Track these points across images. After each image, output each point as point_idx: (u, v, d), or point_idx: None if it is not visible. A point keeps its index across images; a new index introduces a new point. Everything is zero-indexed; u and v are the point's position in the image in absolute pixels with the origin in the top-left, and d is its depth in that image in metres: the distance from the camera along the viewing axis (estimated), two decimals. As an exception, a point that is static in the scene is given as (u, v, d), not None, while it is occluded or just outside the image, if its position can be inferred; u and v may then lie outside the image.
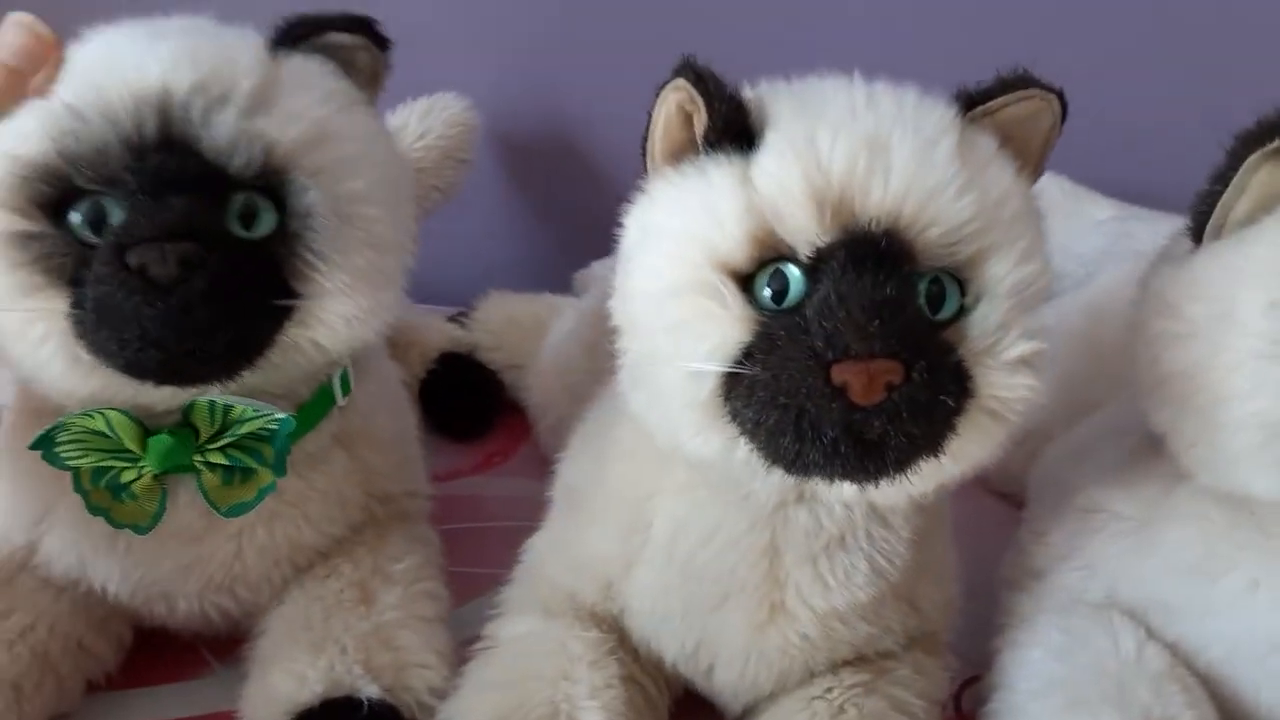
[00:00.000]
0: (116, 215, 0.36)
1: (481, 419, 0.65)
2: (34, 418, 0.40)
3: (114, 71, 0.36)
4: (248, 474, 0.40)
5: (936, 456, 0.33)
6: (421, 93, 0.73)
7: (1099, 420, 0.51)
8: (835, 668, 0.41)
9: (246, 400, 0.39)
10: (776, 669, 0.39)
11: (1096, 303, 0.57)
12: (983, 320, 0.33)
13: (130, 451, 0.38)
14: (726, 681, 0.40)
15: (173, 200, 0.35)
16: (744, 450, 0.34)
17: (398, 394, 0.51)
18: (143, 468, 0.39)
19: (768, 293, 0.33)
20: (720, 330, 0.33)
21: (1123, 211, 0.68)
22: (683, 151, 0.35)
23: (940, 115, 0.34)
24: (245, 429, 0.39)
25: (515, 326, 0.68)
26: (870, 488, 0.34)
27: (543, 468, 0.58)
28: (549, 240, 0.85)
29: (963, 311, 0.33)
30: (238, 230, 0.37)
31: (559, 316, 0.64)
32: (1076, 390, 0.53)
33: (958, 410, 0.33)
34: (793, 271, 0.33)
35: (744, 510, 0.37)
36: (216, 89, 0.36)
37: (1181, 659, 0.40)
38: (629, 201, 0.37)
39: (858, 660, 0.41)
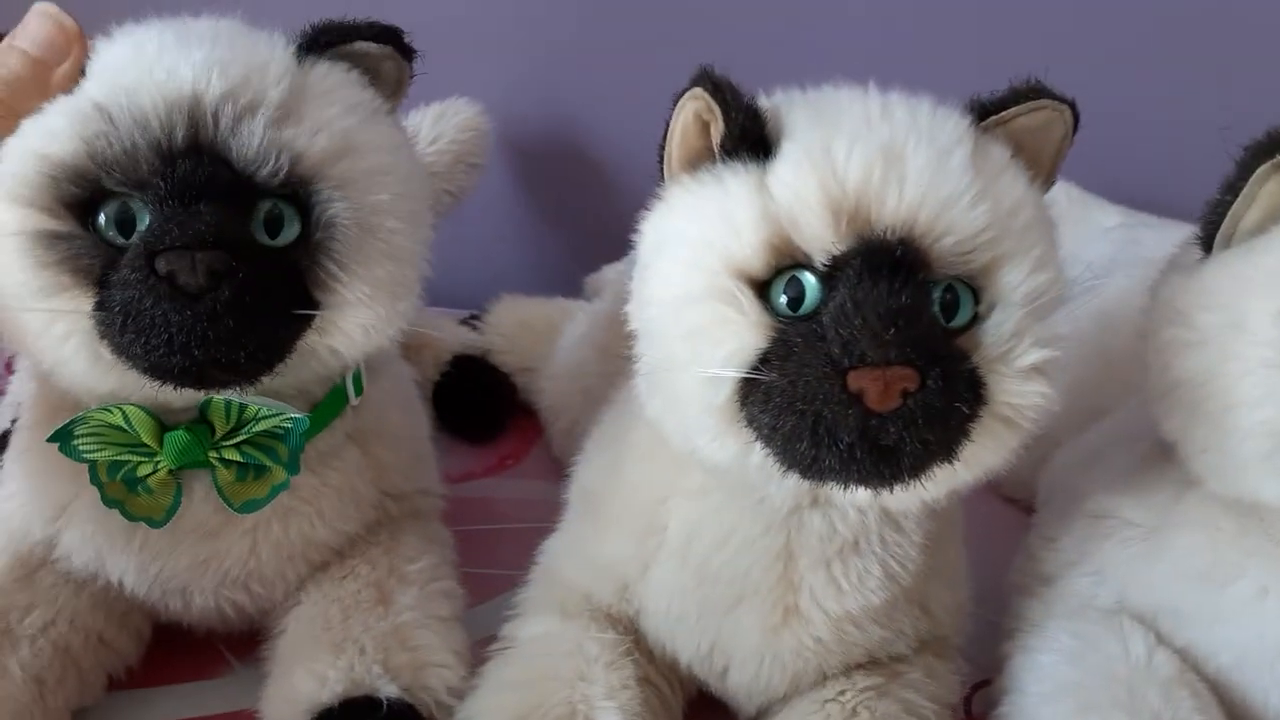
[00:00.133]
0: (144, 219, 0.36)
1: (494, 421, 0.66)
2: (53, 413, 0.40)
3: (146, 75, 0.36)
4: (261, 471, 0.40)
5: (951, 462, 0.34)
6: (434, 97, 0.73)
7: (1109, 426, 0.51)
8: (848, 670, 0.41)
9: (262, 400, 0.39)
10: (790, 671, 0.40)
11: (1106, 310, 0.57)
12: (996, 328, 0.33)
13: (146, 446, 0.39)
14: (740, 683, 0.41)
15: (201, 208, 0.36)
16: (759, 455, 0.34)
17: (409, 392, 0.51)
18: (158, 463, 0.39)
19: (784, 300, 0.33)
20: (737, 336, 0.33)
21: (1131, 219, 0.69)
22: (700, 159, 0.36)
23: (954, 125, 0.35)
24: (260, 427, 0.39)
25: (527, 330, 0.68)
26: (884, 493, 0.34)
27: (554, 470, 0.59)
28: (560, 245, 0.85)
29: (976, 319, 0.34)
30: (262, 238, 0.37)
31: (571, 320, 0.64)
32: (1086, 396, 0.53)
33: (972, 417, 0.33)
34: (809, 279, 0.33)
35: (759, 514, 0.38)
36: (246, 98, 0.37)
37: (1191, 665, 0.41)
38: (640, 207, 0.38)
39: (870, 663, 0.41)
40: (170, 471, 0.39)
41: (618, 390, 0.46)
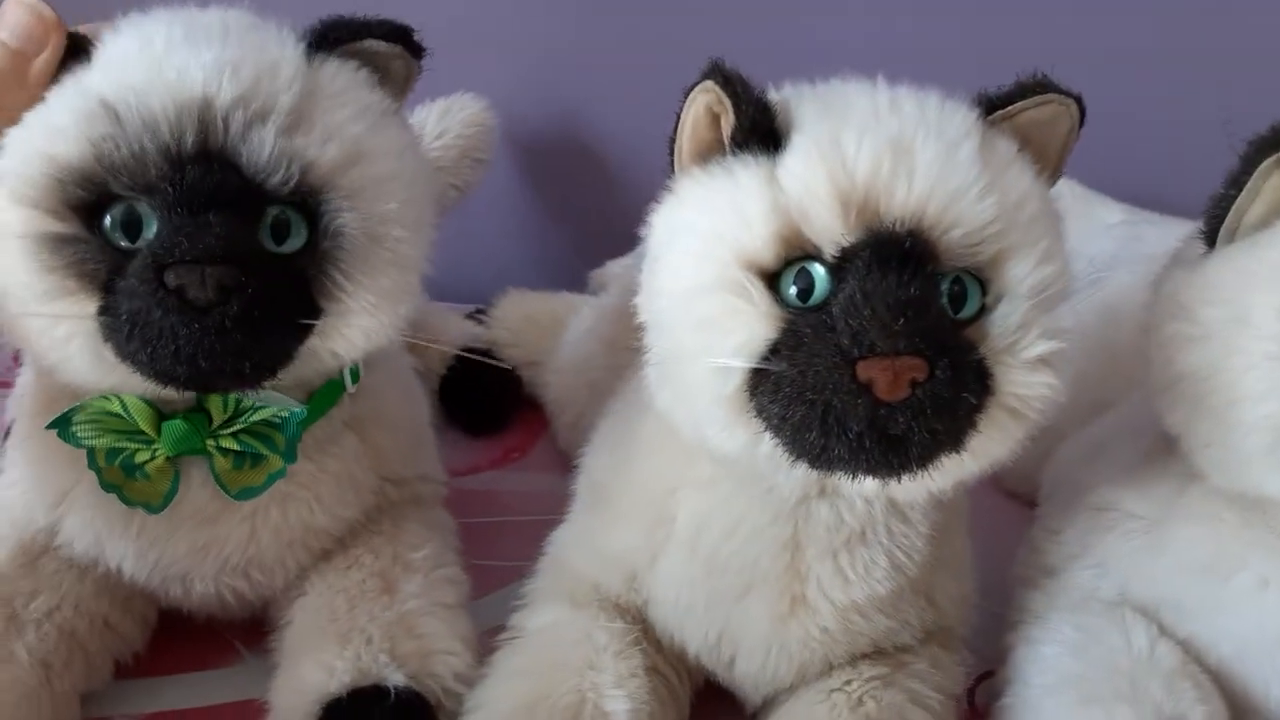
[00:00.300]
0: (151, 224, 0.36)
1: (500, 415, 0.66)
2: (51, 402, 0.41)
3: (155, 75, 0.36)
4: (258, 459, 0.40)
5: (958, 452, 0.34)
6: (440, 93, 0.73)
7: (1112, 420, 0.52)
8: (854, 661, 0.41)
9: (260, 394, 0.40)
10: (797, 661, 0.40)
11: (1110, 304, 0.57)
12: (1003, 319, 0.34)
13: (144, 434, 0.39)
14: (747, 673, 0.41)
15: (211, 218, 0.35)
16: (769, 445, 0.34)
17: (409, 380, 0.51)
18: (156, 450, 0.39)
19: (794, 291, 0.34)
20: (747, 327, 0.33)
21: (1133, 216, 0.69)
22: (710, 152, 0.36)
23: (962, 119, 0.35)
24: (258, 416, 0.39)
25: (532, 324, 0.68)
26: (892, 483, 0.34)
27: (560, 463, 0.59)
28: (564, 240, 0.85)
29: (984, 311, 0.34)
30: (269, 244, 0.37)
31: (576, 314, 0.64)
32: (1090, 391, 0.53)
33: (979, 407, 0.33)
34: (818, 270, 0.33)
35: (767, 504, 0.38)
36: (257, 103, 0.36)
37: (1193, 656, 0.41)
38: (645, 202, 0.38)
39: (876, 654, 0.42)
40: (168, 458, 0.40)
41: (624, 383, 0.46)
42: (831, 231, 0.33)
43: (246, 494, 0.41)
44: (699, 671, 0.43)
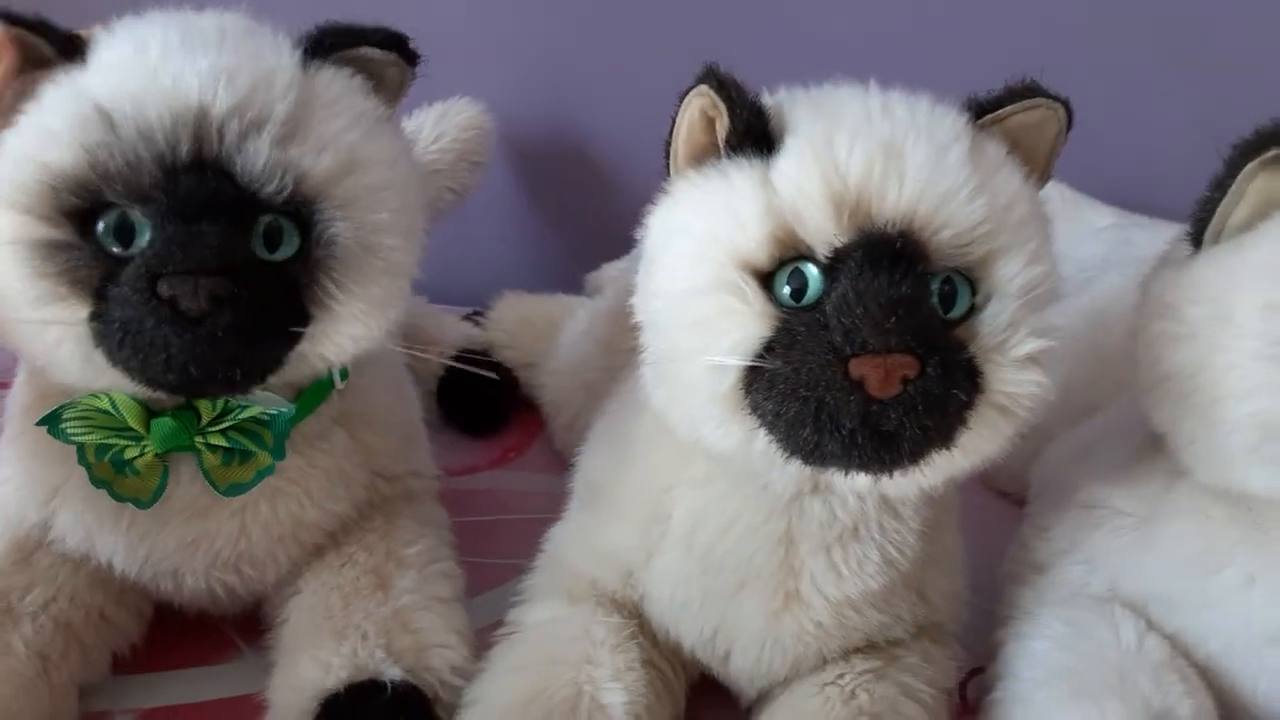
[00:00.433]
0: (144, 232, 0.36)
1: (497, 415, 0.67)
2: (41, 399, 0.41)
3: (150, 82, 0.36)
4: (247, 455, 0.41)
5: (949, 449, 0.34)
6: (437, 97, 0.74)
7: (1101, 421, 0.52)
8: (847, 655, 0.42)
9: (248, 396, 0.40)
10: (791, 655, 0.41)
11: (1099, 308, 0.58)
12: (993, 319, 0.34)
13: (133, 430, 0.39)
14: (743, 667, 0.42)
15: (204, 227, 0.35)
16: (763, 442, 0.35)
17: (399, 376, 0.52)
18: (145, 446, 0.39)
19: (787, 290, 0.34)
20: (742, 326, 0.34)
21: (1123, 219, 0.70)
22: (705, 155, 0.37)
23: (952, 122, 0.36)
24: (246, 414, 0.40)
25: (529, 326, 0.69)
26: (884, 479, 0.35)
27: (556, 462, 0.59)
28: (560, 243, 0.86)
29: (974, 310, 0.35)
30: (261, 252, 0.37)
31: (572, 316, 0.65)
32: (1079, 393, 0.54)
33: (969, 404, 0.34)
34: (811, 270, 0.34)
35: (761, 501, 0.39)
36: (253, 112, 0.36)
37: (1181, 651, 0.42)
38: (640, 206, 0.38)
39: (868, 648, 0.42)
40: (157, 454, 0.40)
41: (619, 384, 0.47)
42: (824, 232, 0.34)
43: (235, 490, 0.41)
44: (694, 665, 0.44)
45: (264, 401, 0.40)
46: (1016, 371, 0.34)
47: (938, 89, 0.37)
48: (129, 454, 0.40)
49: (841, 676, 0.41)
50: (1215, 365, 0.37)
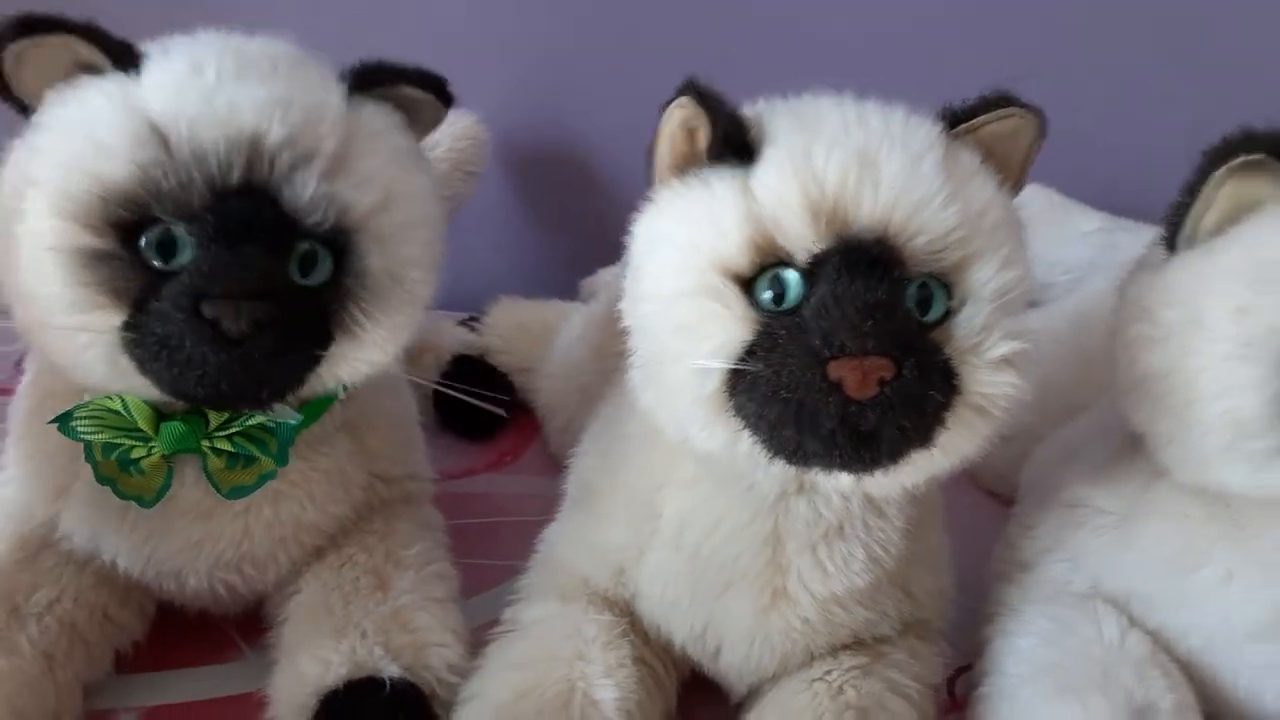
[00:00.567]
0: (186, 249, 0.37)
1: (493, 420, 0.67)
2: (49, 397, 0.42)
3: (206, 106, 0.37)
4: (250, 460, 0.42)
5: (927, 448, 0.35)
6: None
7: (1085, 422, 0.53)
8: (834, 651, 0.43)
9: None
10: (779, 651, 0.41)
11: (1083, 311, 0.58)
12: (968, 322, 0.35)
13: (142, 431, 0.40)
14: (732, 663, 0.42)
15: (247, 249, 0.36)
16: (747, 443, 0.36)
17: (398, 381, 0.53)
18: (152, 447, 0.40)
19: (768, 295, 0.35)
20: (724, 330, 0.35)
21: (1109, 224, 0.70)
22: (687, 164, 0.38)
23: (926, 132, 0.37)
24: (253, 421, 0.41)
25: (524, 331, 0.70)
26: (866, 478, 0.36)
27: (551, 466, 0.60)
28: (555, 249, 0.87)
29: (949, 314, 0.36)
30: (295, 276, 0.38)
31: (566, 322, 0.66)
32: (1064, 395, 0.55)
33: (946, 405, 0.35)
34: (791, 276, 0.35)
35: (748, 501, 0.40)
36: (304, 145, 0.37)
37: (1163, 646, 0.42)
38: (634, 212, 0.39)
39: (855, 644, 0.43)
40: (163, 456, 0.41)
41: (612, 388, 0.48)
42: (803, 239, 0.35)
43: (238, 493, 0.42)
44: (685, 662, 0.45)
45: (272, 410, 0.41)
46: (991, 373, 0.35)
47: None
48: (136, 454, 0.41)
49: (829, 673, 0.41)
50: (1189, 367, 0.38)
